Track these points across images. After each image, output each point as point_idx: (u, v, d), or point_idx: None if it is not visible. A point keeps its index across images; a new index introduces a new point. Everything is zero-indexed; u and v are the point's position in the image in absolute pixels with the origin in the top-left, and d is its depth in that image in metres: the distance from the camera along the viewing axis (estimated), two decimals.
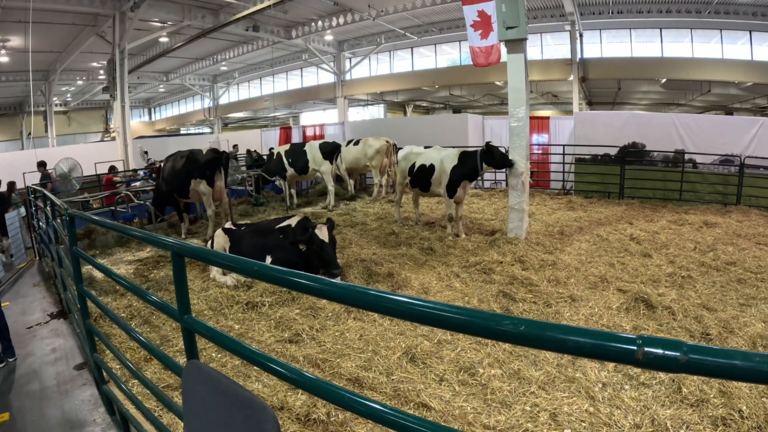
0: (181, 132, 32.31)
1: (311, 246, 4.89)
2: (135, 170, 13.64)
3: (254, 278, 3.45)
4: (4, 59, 17.38)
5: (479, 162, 6.78)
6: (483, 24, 6.99)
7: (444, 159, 7.14)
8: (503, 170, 7.83)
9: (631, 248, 6.39)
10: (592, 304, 4.55)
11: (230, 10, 15.53)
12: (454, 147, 7.87)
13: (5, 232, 8.43)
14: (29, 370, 3.94)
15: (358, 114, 27.87)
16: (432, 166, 7.25)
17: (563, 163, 11.48)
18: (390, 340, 3.74)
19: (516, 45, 6.39)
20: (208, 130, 30.09)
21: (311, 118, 29.36)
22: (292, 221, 5.38)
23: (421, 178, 7.42)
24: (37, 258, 8.24)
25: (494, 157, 6.71)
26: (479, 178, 8.21)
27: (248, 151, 14.81)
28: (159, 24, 16.59)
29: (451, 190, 7.03)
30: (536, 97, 22.04)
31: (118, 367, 3.48)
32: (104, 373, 3.21)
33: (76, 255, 3.12)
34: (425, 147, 7.74)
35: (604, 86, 19.50)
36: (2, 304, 5.80)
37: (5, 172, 11.50)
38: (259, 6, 14.44)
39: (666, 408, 2.83)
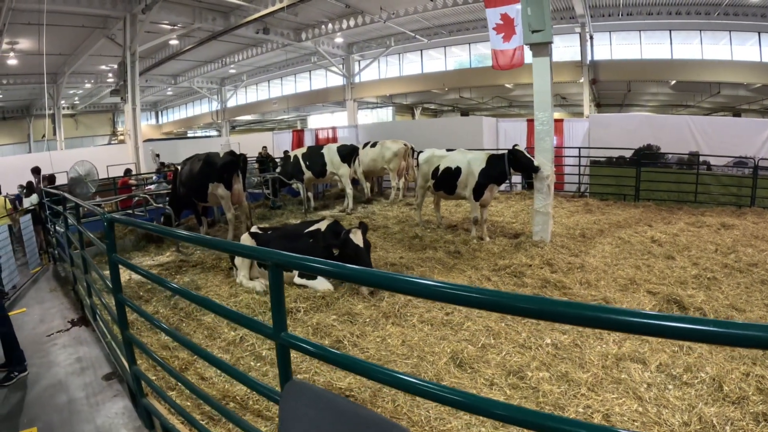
0: (189, 135, 32.32)
1: (345, 250, 4.83)
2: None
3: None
4: (13, 62, 17.38)
5: (507, 166, 6.77)
6: (506, 27, 7.00)
7: (471, 162, 7.11)
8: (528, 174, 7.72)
9: (653, 250, 6.39)
10: (626, 306, 4.56)
11: (241, 12, 15.53)
12: (478, 150, 7.85)
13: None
14: (54, 380, 3.74)
15: (366, 116, 27.85)
16: (458, 169, 7.21)
17: (579, 165, 11.48)
18: (433, 345, 3.71)
19: (541, 48, 6.40)
20: (215, 132, 30.10)
21: (319, 120, 29.38)
22: (322, 225, 5.32)
23: (446, 180, 7.38)
24: (52, 262, 8.16)
25: (520, 162, 6.67)
26: (507, 181, 8.16)
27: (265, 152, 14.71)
28: (169, 26, 16.60)
29: (478, 192, 6.99)
30: None
31: (153, 378, 3.28)
32: (143, 386, 3.02)
33: (115, 262, 2.97)
34: (447, 150, 7.73)
35: (613, 88, 19.52)
36: (19, 310, 5.71)
37: (18, 175, 11.59)
38: (271, 9, 14.43)
39: (710, 406, 2.86)
